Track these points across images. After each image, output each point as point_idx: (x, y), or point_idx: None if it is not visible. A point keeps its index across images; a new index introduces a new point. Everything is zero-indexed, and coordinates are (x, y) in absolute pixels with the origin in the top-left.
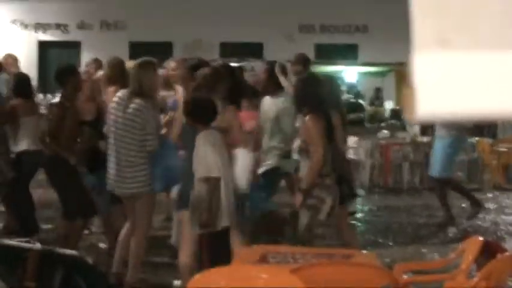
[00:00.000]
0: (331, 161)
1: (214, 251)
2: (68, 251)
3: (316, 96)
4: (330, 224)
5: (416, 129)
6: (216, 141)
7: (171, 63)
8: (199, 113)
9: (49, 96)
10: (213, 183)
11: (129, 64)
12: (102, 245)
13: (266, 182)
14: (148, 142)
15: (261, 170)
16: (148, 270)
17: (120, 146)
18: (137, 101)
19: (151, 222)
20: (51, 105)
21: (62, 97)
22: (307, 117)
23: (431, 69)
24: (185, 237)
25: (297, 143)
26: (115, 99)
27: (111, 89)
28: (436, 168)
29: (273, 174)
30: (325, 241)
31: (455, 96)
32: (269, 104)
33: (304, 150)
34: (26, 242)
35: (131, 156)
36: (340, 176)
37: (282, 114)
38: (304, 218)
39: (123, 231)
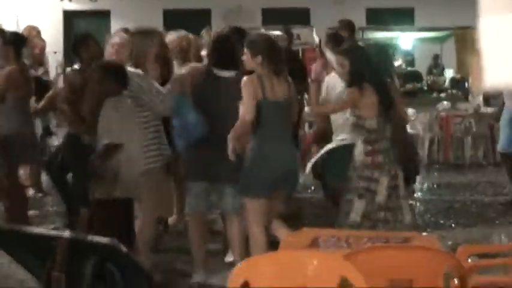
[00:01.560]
0: (389, 134)
1: (106, 220)
2: (100, 239)
3: (366, 65)
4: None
5: (480, 99)
6: (127, 109)
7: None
8: (112, 79)
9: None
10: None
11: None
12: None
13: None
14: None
15: (334, 145)
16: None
17: None
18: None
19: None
20: (71, 70)
21: (80, 64)
22: (347, 91)
23: (501, 34)
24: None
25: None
26: None
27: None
28: (503, 141)
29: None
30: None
31: None
32: (335, 78)
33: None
34: (53, 229)
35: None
36: (401, 153)
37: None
38: (359, 206)
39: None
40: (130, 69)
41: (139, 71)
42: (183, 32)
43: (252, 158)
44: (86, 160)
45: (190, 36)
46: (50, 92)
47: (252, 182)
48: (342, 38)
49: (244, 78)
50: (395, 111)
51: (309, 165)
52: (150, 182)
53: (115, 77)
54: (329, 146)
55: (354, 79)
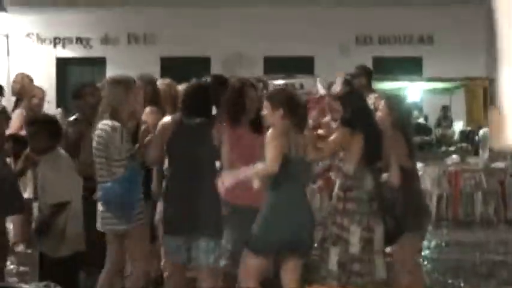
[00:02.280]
0: (371, 186)
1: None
2: None
3: (356, 111)
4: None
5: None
6: (65, 164)
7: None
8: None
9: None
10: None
11: (162, 82)
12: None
13: None
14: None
15: None
16: None
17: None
18: (102, 123)
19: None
20: (70, 122)
21: (80, 115)
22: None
23: None
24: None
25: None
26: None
27: (147, 110)
28: None
29: None
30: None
31: None
32: None
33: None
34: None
35: None
36: (388, 205)
37: None
38: (333, 255)
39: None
40: (104, 121)
41: (114, 122)
42: (167, 80)
43: (271, 213)
44: None
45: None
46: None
47: (265, 239)
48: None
49: (271, 130)
50: (386, 166)
51: None
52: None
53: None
54: None
55: (344, 124)
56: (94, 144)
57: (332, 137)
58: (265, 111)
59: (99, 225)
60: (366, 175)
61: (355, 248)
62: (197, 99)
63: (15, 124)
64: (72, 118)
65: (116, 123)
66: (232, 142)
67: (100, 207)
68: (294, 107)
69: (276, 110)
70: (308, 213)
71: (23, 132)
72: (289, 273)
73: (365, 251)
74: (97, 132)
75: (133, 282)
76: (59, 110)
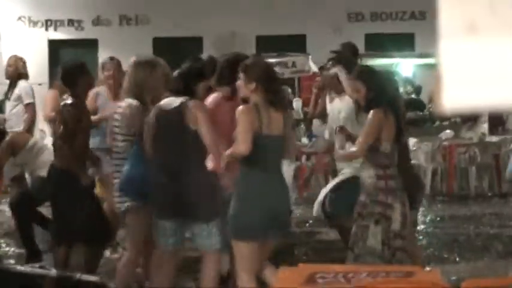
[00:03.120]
0: (397, 163)
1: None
2: (88, 277)
3: (384, 88)
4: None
5: (485, 127)
6: None
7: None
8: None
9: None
10: None
11: None
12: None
13: (347, 192)
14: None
15: (339, 179)
16: None
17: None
18: (125, 103)
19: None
20: (65, 105)
21: (73, 98)
22: (372, 112)
23: (459, 57)
24: None
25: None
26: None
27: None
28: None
29: (353, 183)
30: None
31: (484, 85)
32: (339, 103)
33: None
34: (40, 268)
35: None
36: (407, 181)
37: (352, 114)
38: (376, 234)
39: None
40: (129, 99)
41: (137, 102)
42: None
43: (246, 197)
44: (81, 197)
45: None
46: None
47: (246, 224)
48: (352, 60)
49: (241, 106)
50: (403, 138)
51: (317, 207)
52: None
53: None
54: (333, 183)
55: (372, 103)
56: (115, 123)
57: (368, 123)
58: (239, 83)
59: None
60: (396, 151)
61: (397, 224)
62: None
63: (50, 105)
64: (67, 102)
65: (139, 104)
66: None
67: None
68: (268, 81)
69: (249, 83)
70: (284, 193)
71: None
72: (263, 255)
73: (403, 227)
74: (120, 110)
75: (125, 265)
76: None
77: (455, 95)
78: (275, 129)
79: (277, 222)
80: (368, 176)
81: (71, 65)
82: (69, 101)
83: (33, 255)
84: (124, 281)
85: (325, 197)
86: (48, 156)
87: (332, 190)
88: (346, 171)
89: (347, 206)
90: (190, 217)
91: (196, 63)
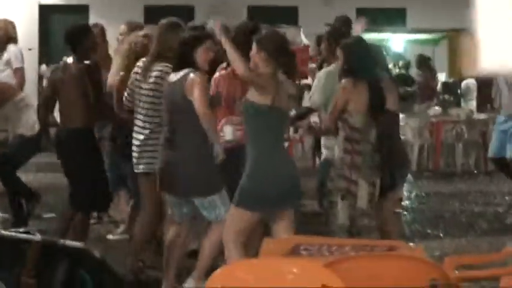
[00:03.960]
0: (375, 138)
1: None
2: (72, 243)
3: (360, 60)
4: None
5: (473, 105)
6: None
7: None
8: None
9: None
10: None
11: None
12: (110, 237)
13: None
14: None
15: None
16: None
17: (145, 121)
18: (159, 67)
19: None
20: (65, 65)
21: (76, 58)
22: (342, 82)
23: (496, 18)
24: None
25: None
26: (136, 68)
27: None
28: (495, 146)
29: None
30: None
31: None
32: (333, 75)
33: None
34: (25, 232)
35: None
36: (388, 156)
37: None
38: (342, 209)
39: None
40: (163, 63)
41: (166, 65)
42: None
43: (256, 166)
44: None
45: None
46: None
47: (254, 194)
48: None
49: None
50: (385, 116)
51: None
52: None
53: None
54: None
55: (345, 73)
56: (150, 86)
57: (336, 93)
58: (252, 53)
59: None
60: (371, 128)
61: (363, 202)
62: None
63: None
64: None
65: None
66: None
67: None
68: (279, 52)
69: (260, 52)
70: (292, 164)
71: None
72: (285, 223)
73: (370, 206)
74: (155, 74)
75: (142, 225)
76: (44, 67)
77: (491, 59)
78: (284, 102)
79: (289, 193)
80: (337, 149)
81: (74, 26)
82: (69, 60)
83: (19, 220)
84: (140, 243)
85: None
86: (32, 115)
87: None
88: (326, 152)
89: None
90: (188, 193)
91: (194, 31)
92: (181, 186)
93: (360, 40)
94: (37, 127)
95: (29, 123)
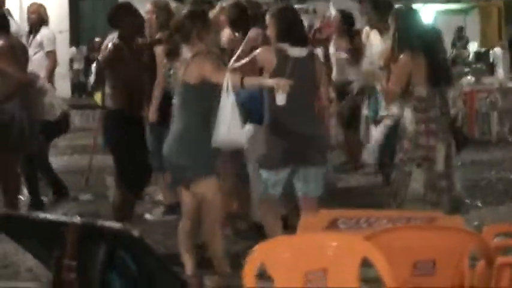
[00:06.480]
0: (440, 105)
1: None
2: (111, 224)
3: (415, 29)
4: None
5: (501, 73)
6: None
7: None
8: None
9: (84, 49)
10: None
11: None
12: (148, 216)
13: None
14: None
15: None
16: None
17: None
18: None
19: None
20: (107, 47)
21: (118, 38)
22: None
23: None
24: None
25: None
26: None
27: (158, 35)
28: None
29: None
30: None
31: None
32: (378, 40)
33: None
34: (63, 215)
35: None
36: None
37: None
38: (418, 178)
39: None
40: None
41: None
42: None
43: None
44: (137, 138)
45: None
46: None
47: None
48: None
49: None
50: (445, 78)
51: (368, 154)
52: None
53: None
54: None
55: (400, 44)
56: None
57: (396, 67)
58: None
59: None
60: (436, 94)
61: (440, 165)
62: (294, 25)
63: None
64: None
65: None
66: None
67: None
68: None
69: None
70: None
71: None
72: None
73: (448, 167)
74: None
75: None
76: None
77: None
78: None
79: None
80: (408, 121)
81: (117, 5)
82: (114, 41)
83: (37, 203)
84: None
85: (376, 147)
86: (50, 99)
87: (378, 140)
88: (386, 122)
89: (391, 155)
90: (308, 161)
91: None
92: (311, 156)
93: (412, 9)
94: (58, 112)
95: (47, 106)
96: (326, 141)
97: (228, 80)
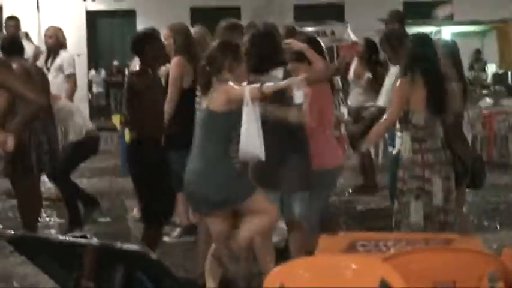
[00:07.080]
0: (442, 135)
1: None
2: (130, 246)
3: (423, 56)
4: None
5: None
6: None
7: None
8: None
9: (102, 72)
10: None
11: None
12: (166, 238)
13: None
14: None
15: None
16: None
17: None
18: None
19: None
20: (131, 74)
21: (141, 65)
22: (398, 81)
23: None
24: None
25: None
26: None
27: (175, 59)
28: None
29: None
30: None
31: None
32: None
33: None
34: (81, 237)
35: None
36: (454, 153)
37: None
38: (417, 210)
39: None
40: None
41: None
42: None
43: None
44: (158, 170)
45: None
46: None
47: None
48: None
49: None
50: (451, 107)
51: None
52: None
53: None
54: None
55: (405, 70)
56: None
57: (395, 92)
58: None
59: None
60: (436, 123)
61: (438, 199)
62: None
63: None
64: (133, 70)
65: None
66: None
67: None
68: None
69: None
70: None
71: None
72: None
73: (447, 201)
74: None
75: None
76: (93, 71)
77: None
78: None
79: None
80: (404, 150)
81: (139, 32)
82: (135, 69)
83: (74, 225)
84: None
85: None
86: (77, 120)
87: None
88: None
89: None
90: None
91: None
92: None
93: (420, 35)
94: (84, 131)
95: (76, 128)
96: (303, 166)
97: (247, 92)
